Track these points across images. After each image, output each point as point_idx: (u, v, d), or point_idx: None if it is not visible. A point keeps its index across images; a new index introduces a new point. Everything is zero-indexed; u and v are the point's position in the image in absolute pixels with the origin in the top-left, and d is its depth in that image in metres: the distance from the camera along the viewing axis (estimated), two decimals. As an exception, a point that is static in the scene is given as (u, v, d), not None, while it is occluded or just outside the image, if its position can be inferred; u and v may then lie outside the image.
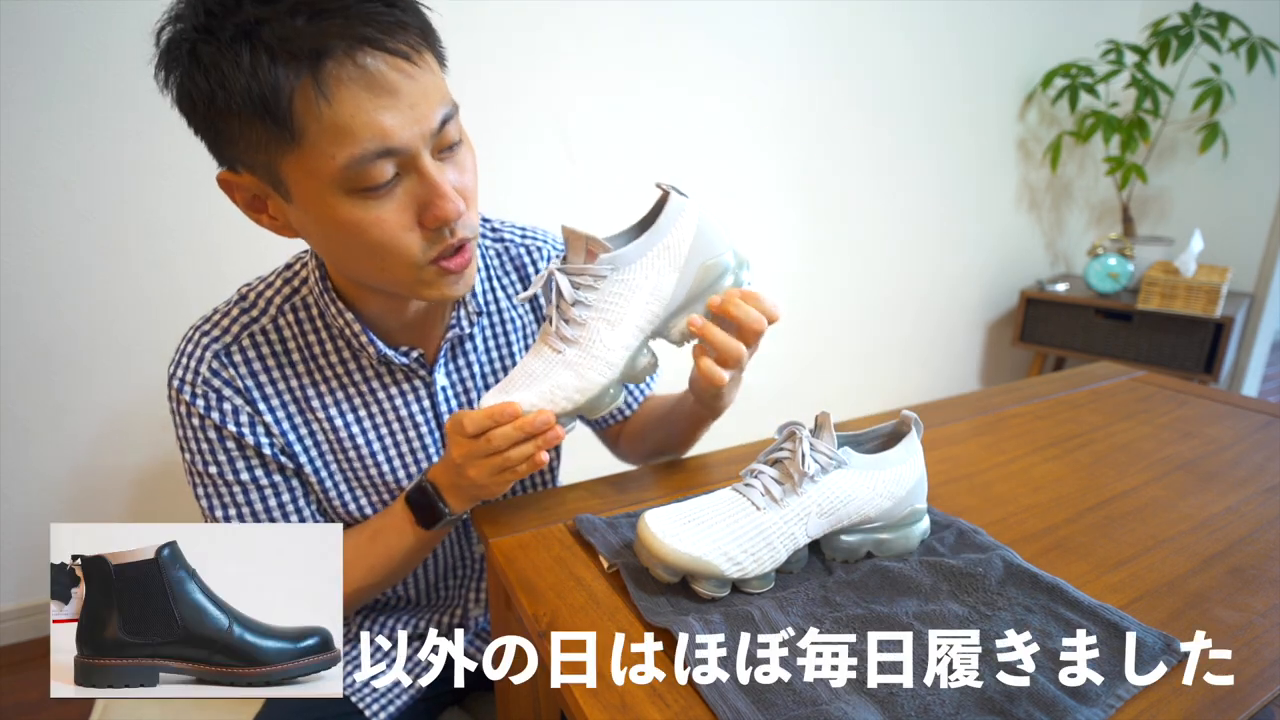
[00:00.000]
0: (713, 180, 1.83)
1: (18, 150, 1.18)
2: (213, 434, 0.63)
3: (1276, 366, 2.99)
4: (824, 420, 0.57)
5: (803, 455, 0.55)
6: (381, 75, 0.49)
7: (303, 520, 0.67)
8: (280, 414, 0.64)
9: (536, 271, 0.76)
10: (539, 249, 0.77)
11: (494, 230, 0.76)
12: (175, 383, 0.62)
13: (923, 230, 2.27)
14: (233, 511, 0.65)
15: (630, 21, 1.60)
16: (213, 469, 0.63)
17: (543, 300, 0.57)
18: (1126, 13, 2.46)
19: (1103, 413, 0.92)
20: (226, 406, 0.62)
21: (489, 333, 0.73)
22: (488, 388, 0.73)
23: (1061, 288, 2.35)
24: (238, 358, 0.63)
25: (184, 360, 0.63)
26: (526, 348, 0.76)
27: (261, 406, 0.63)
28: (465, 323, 0.69)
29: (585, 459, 1.05)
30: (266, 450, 0.64)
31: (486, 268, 0.74)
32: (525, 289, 0.75)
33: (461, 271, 0.59)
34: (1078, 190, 2.62)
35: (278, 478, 0.65)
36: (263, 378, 0.64)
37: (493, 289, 0.74)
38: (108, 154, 1.23)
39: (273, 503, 0.65)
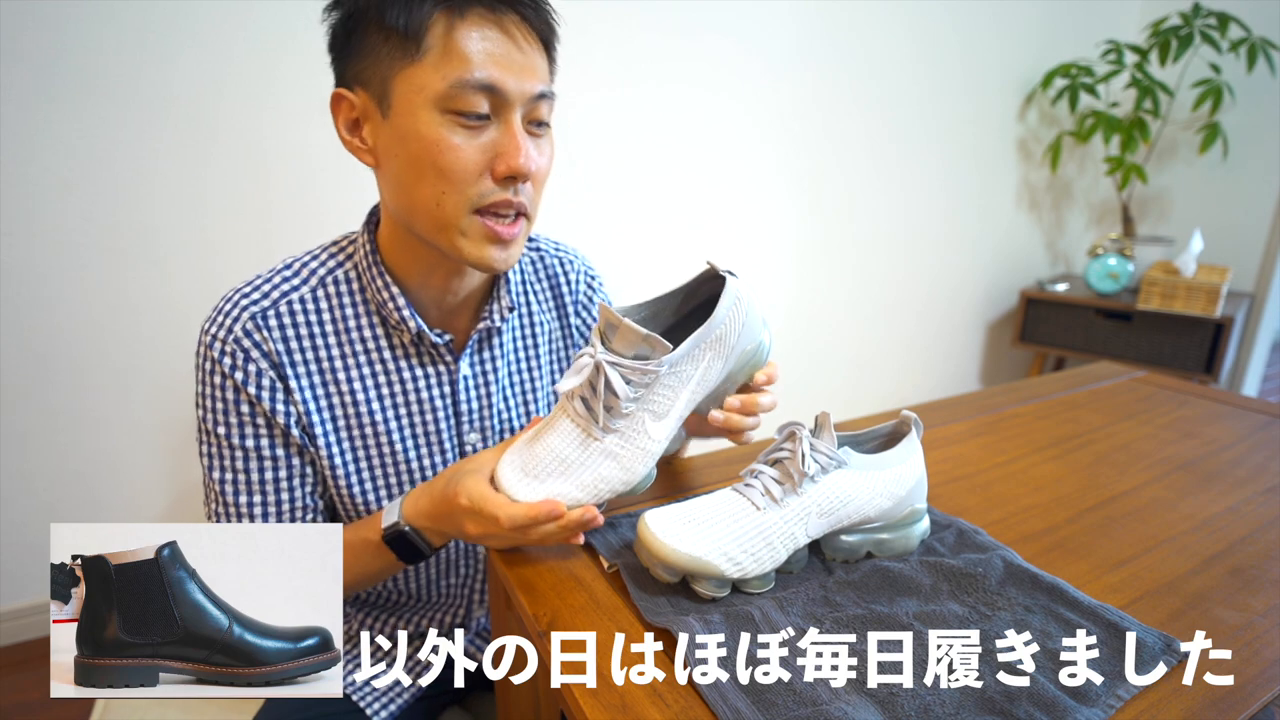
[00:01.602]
0: (713, 180, 1.83)
1: (18, 150, 1.18)
2: (231, 394, 0.64)
3: (1276, 366, 2.99)
4: (824, 420, 0.57)
5: (803, 455, 0.55)
6: (509, 30, 0.58)
7: (293, 500, 0.67)
8: (305, 383, 0.66)
9: (567, 283, 0.79)
10: (570, 263, 0.81)
11: (530, 240, 0.79)
12: (207, 339, 0.64)
13: (923, 230, 2.27)
14: (229, 475, 0.65)
15: (630, 20, 1.60)
16: (221, 429, 0.64)
17: (579, 387, 0.55)
18: (1126, 13, 2.46)
19: (1103, 413, 0.92)
20: (251, 368, 0.63)
21: (518, 332, 0.75)
22: (511, 384, 0.74)
23: (1061, 288, 2.35)
24: (273, 323, 0.64)
25: (219, 318, 0.64)
26: (552, 353, 0.78)
27: (289, 373, 0.65)
28: (497, 316, 0.71)
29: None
30: (281, 419, 0.65)
31: (521, 271, 0.76)
32: (555, 298, 0.79)
33: (507, 242, 0.62)
34: (1078, 190, 2.62)
35: (281, 452, 0.66)
36: (294, 344, 0.65)
37: (526, 292, 0.77)
38: (108, 154, 1.23)
39: (269, 475, 0.66)
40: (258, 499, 0.65)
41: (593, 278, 0.82)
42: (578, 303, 0.81)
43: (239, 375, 0.63)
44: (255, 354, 0.63)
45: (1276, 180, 2.25)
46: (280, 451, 0.66)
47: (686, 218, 1.82)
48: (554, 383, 0.78)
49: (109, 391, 1.35)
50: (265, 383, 0.64)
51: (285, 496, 0.66)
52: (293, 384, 0.65)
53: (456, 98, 0.56)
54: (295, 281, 0.66)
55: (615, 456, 0.56)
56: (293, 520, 0.67)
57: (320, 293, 0.67)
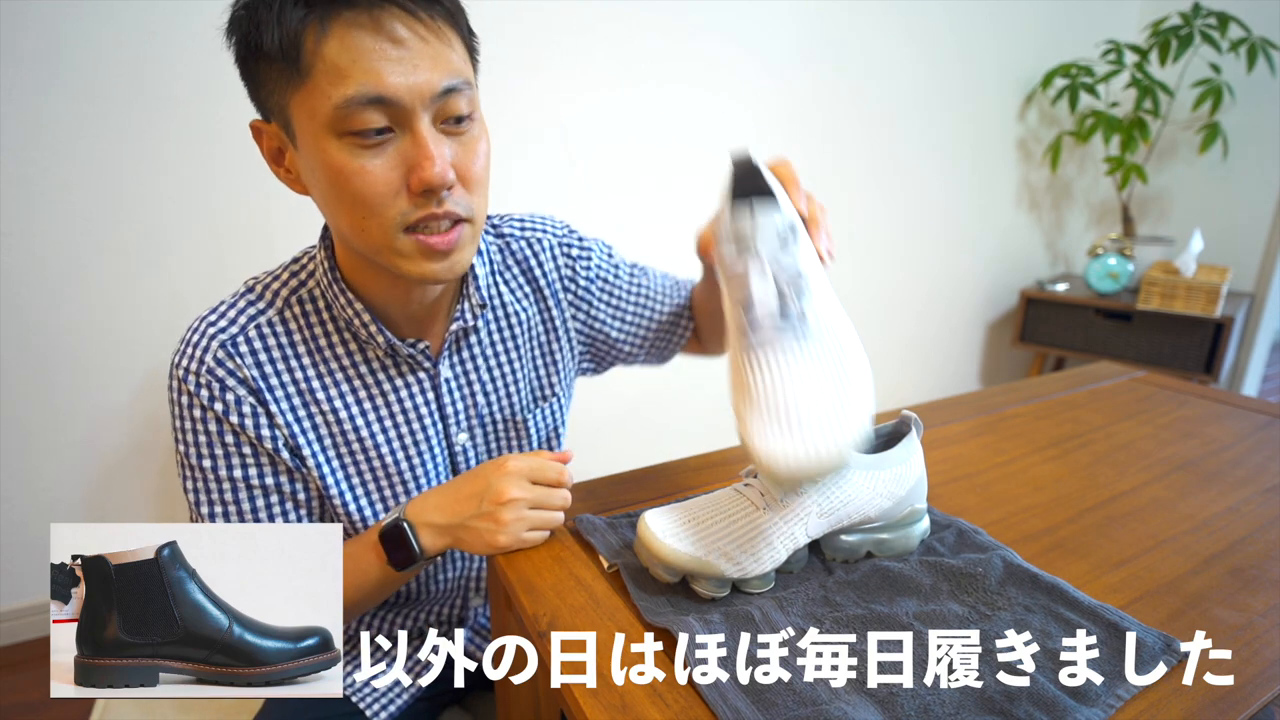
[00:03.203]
0: (713, 179, 1.83)
1: (18, 150, 1.18)
2: (213, 426, 0.62)
3: (1276, 366, 2.99)
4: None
5: (803, 455, 0.55)
6: (391, 29, 0.52)
7: None
8: (285, 405, 0.64)
9: (539, 265, 0.76)
10: (539, 241, 0.77)
11: (494, 226, 0.76)
12: (179, 372, 0.62)
13: (923, 230, 2.27)
14: (218, 510, 0.64)
15: (630, 21, 1.60)
16: (206, 462, 0.63)
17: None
18: (1126, 13, 2.46)
19: (1103, 413, 0.92)
20: (230, 397, 0.62)
21: (493, 326, 0.73)
22: (491, 379, 0.73)
23: (1061, 288, 2.35)
24: (244, 349, 0.63)
25: (189, 350, 0.62)
26: (532, 341, 0.76)
27: (267, 397, 0.63)
28: (469, 315, 0.69)
29: (585, 459, 1.05)
30: (268, 444, 0.63)
31: (490, 263, 0.74)
32: (529, 283, 0.76)
33: (447, 253, 0.58)
34: (1078, 190, 2.62)
35: (270, 480, 0.65)
36: (268, 369, 0.64)
37: (496, 284, 0.74)
38: (108, 154, 1.23)
39: (260, 504, 0.64)
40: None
41: (568, 245, 0.78)
42: (561, 280, 0.77)
43: (218, 406, 0.61)
44: (231, 381, 0.62)
45: (1276, 180, 2.25)
46: (270, 480, 0.65)
47: (686, 218, 1.82)
48: (535, 373, 0.76)
49: (109, 391, 1.35)
50: (246, 410, 0.62)
51: (279, 524, 0.65)
52: (273, 407, 0.63)
53: (347, 118, 0.52)
54: (261, 305, 0.64)
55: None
56: None
57: (287, 313, 0.65)
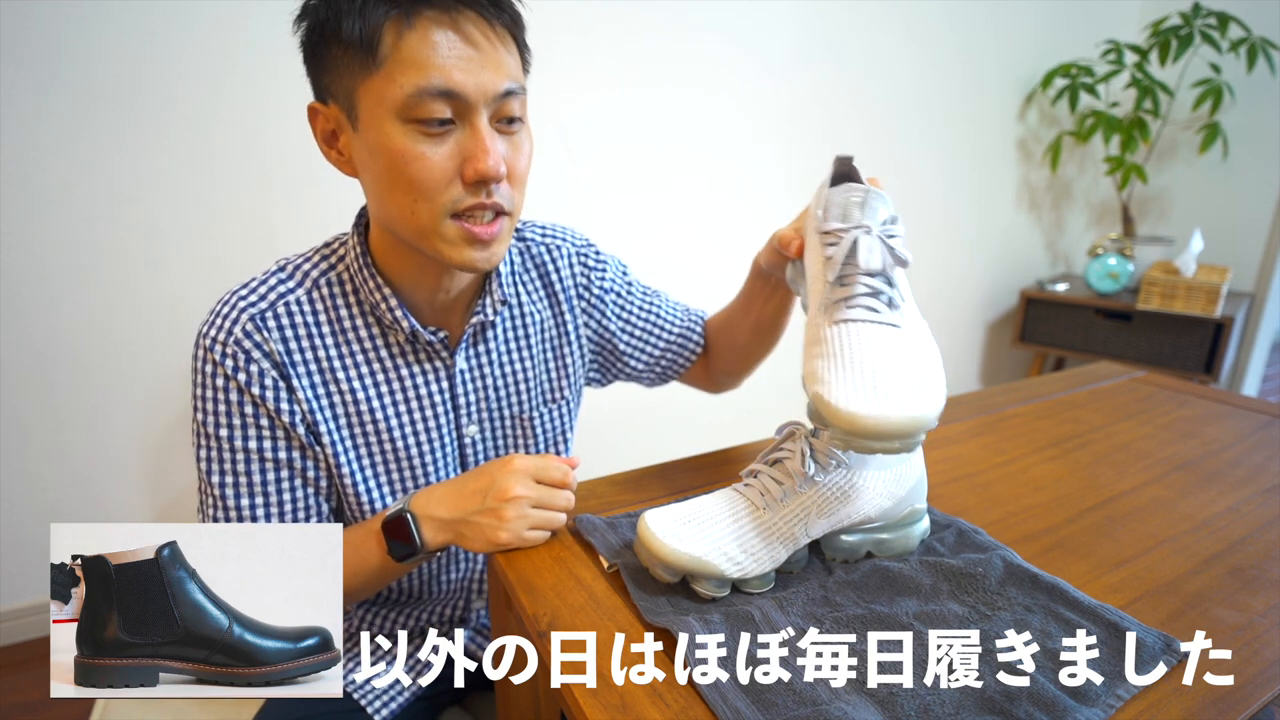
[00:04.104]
0: (713, 180, 1.83)
1: (18, 150, 1.18)
2: (234, 395, 0.63)
3: (1276, 366, 2.99)
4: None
5: (803, 455, 0.55)
6: (465, 30, 0.56)
7: (294, 502, 0.66)
8: (306, 382, 0.65)
9: (556, 272, 0.79)
10: (558, 248, 0.79)
11: (517, 231, 0.78)
12: (206, 341, 0.63)
13: (923, 230, 2.27)
14: (229, 480, 0.64)
15: (630, 21, 1.60)
16: (224, 431, 0.64)
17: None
18: (1126, 13, 2.46)
19: (1103, 413, 0.92)
20: (254, 369, 0.63)
21: (509, 325, 0.75)
22: (504, 375, 0.75)
23: (1061, 288, 2.35)
24: (271, 324, 0.64)
25: (218, 321, 0.64)
26: (545, 343, 0.78)
27: (290, 373, 0.64)
28: (490, 310, 0.71)
29: (586, 458, 1.05)
30: (286, 418, 0.64)
31: (510, 264, 0.76)
32: (545, 287, 0.78)
33: (488, 243, 0.61)
34: (1078, 190, 2.62)
35: (284, 455, 0.65)
36: (293, 345, 0.65)
37: (515, 285, 0.76)
38: (108, 154, 1.23)
39: (270, 477, 0.65)
40: (259, 501, 0.65)
41: (585, 255, 0.81)
42: (576, 288, 0.80)
43: (242, 377, 0.63)
44: (257, 354, 0.63)
45: (1276, 180, 2.25)
46: (283, 454, 0.66)
47: (686, 217, 1.82)
48: (546, 374, 0.78)
49: (110, 391, 1.35)
50: (269, 382, 0.64)
51: (287, 499, 0.66)
52: (295, 383, 0.65)
53: (416, 106, 0.56)
54: (290, 284, 0.66)
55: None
56: (294, 522, 0.67)
57: (315, 294, 0.67)
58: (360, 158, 0.61)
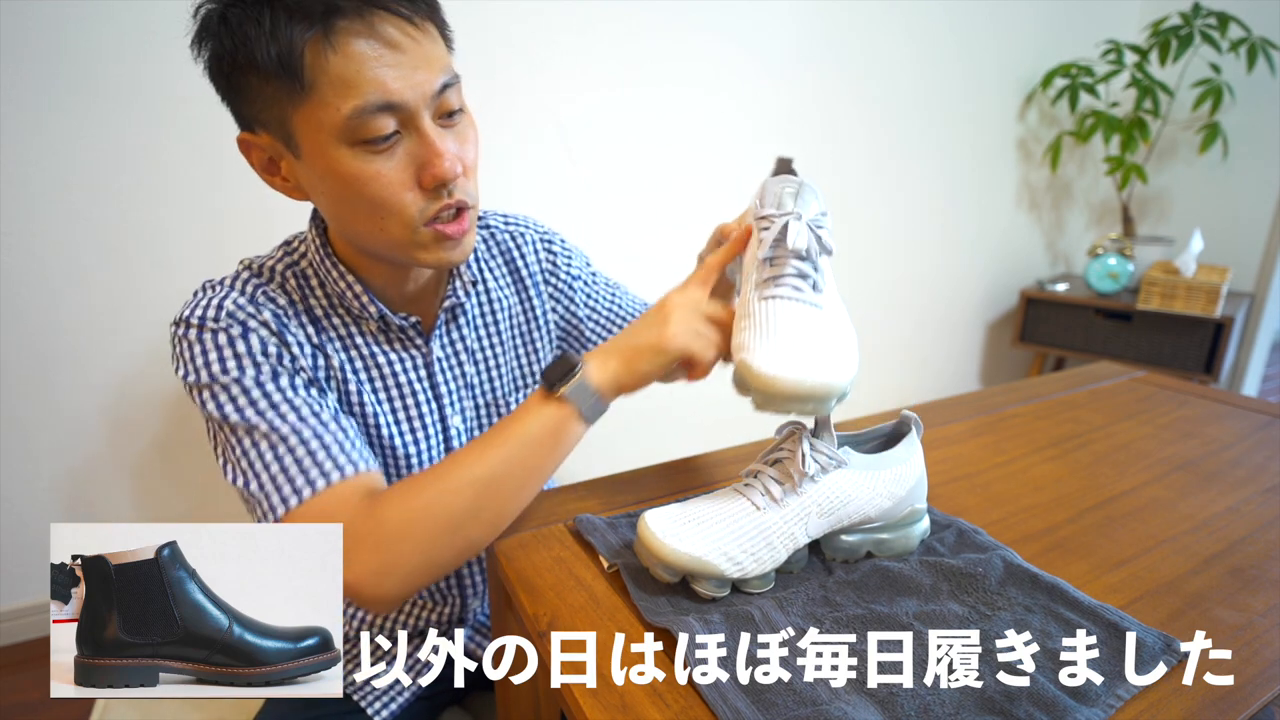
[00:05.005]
0: (713, 179, 1.83)
1: (18, 150, 1.18)
2: (242, 346, 0.59)
3: (1276, 366, 2.98)
4: (824, 420, 0.57)
5: (803, 455, 0.55)
6: (387, 35, 0.53)
7: (340, 426, 0.59)
8: (307, 349, 0.63)
9: (522, 258, 0.79)
10: (521, 235, 0.80)
11: (480, 218, 0.79)
12: (195, 320, 0.59)
13: (922, 230, 2.27)
14: (280, 448, 0.56)
15: (630, 21, 1.59)
16: (250, 372, 0.58)
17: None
18: (1126, 13, 2.46)
19: (1103, 413, 0.92)
20: (253, 338, 0.59)
21: (478, 310, 0.75)
22: (476, 361, 0.75)
23: (1061, 288, 2.35)
24: (261, 300, 0.63)
25: (204, 302, 0.60)
26: (513, 329, 0.78)
27: (289, 339, 0.62)
28: (461, 293, 0.71)
29: (585, 459, 1.05)
30: (305, 362, 0.62)
31: (475, 250, 0.76)
32: (511, 274, 0.79)
33: (459, 238, 0.61)
34: (1078, 190, 2.62)
35: (315, 390, 0.61)
36: (285, 321, 0.63)
37: (482, 270, 0.76)
38: (108, 155, 1.23)
39: (316, 406, 0.59)
40: (306, 412, 0.58)
41: (550, 242, 0.81)
42: (542, 272, 0.80)
43: (241, 345, 0.59)
44: (253, 323, 0.60)
45: (1276, 180, 2.25)
46: (314, 390, 0.61)
47: (686, 217, 1.82)
48: (516, 358, 0.78)
49: (110, 391, 1.35)
50: (271, 348, 0.60)
51: (327, 416, 0.59)
52: (296, 351, 0.62)
53: (359, 128, 0.53)
54: (260, 279, 0.65)
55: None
56: (346, 440, 0.59)
57: (286, 286, 0.66)
58: (309, 183, 0.58)
